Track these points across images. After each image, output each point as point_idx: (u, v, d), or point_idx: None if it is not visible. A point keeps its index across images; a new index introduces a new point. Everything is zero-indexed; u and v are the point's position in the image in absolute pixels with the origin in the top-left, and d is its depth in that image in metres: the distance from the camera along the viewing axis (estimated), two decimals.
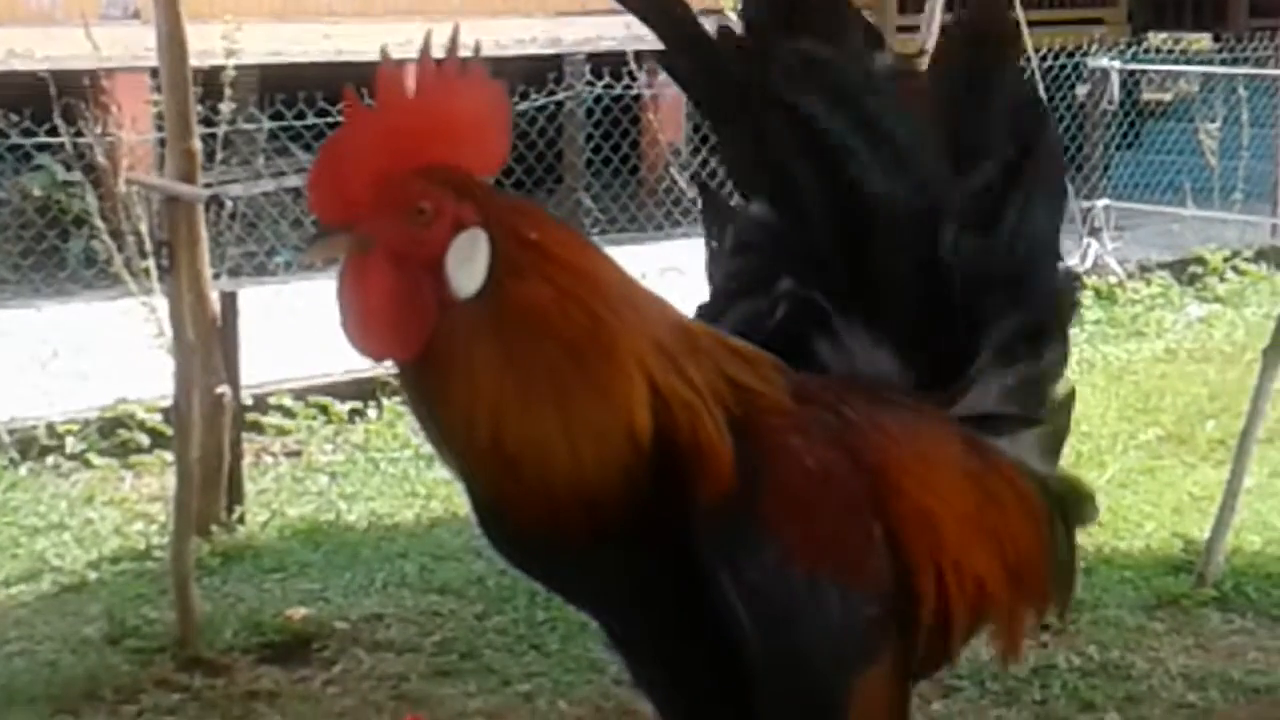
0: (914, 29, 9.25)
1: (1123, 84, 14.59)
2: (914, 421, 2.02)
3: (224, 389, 5.54)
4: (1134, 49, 13.74)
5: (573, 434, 1.76)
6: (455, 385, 1.77)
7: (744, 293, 2.08)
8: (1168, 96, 16.61)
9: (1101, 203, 10.42)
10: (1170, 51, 16.51)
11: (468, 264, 1.78)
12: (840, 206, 2.01)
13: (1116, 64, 10.71)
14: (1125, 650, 4.71)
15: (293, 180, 9.64)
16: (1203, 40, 17.37)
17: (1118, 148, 13.90)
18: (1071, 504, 2.21)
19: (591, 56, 10.98)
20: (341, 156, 1.80)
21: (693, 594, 1.80)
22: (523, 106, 9.24)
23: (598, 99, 10.20)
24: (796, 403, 1.90)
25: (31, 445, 6.61)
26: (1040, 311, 2.15)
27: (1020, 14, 9.53)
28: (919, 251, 2.03)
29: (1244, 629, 4.90)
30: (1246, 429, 5.24)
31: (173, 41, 5.31)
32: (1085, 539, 5.52)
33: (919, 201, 2.01)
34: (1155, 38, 17.69)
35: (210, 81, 7.64)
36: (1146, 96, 16.82)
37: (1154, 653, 4.71)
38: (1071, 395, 2.22)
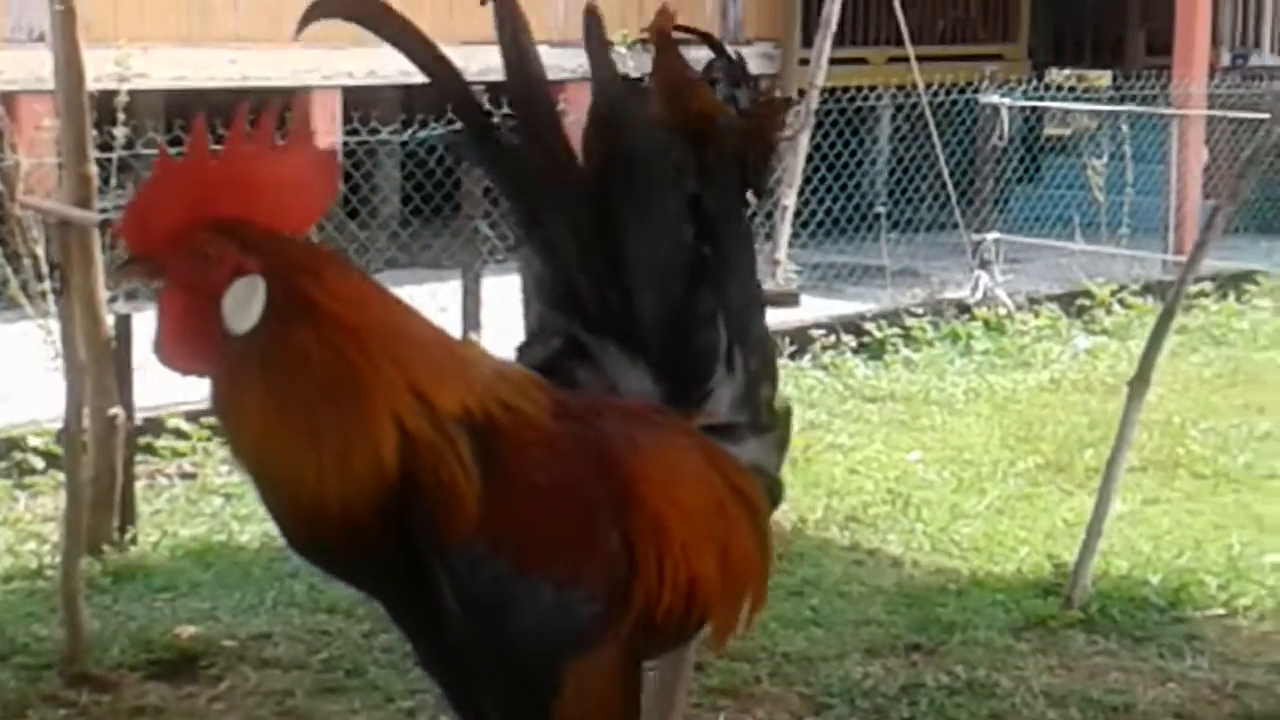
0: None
1: (1025, 119, 14.90)
2: (661, 433, 2.29)
3: (116, 410, 5.62)
4: (1034, 85, 13.98)
5: (322, 467, 2.04)
6: (229, 409, 2.11)
7: (537, 331, 2.39)
8: (1068, 132, 16.98)
9: (992, 236, 10.64)
10: (1071, 89, 16.85)
11: (243, 305, 2.07)
12: (588, 258, 2.32)
13: (1006, 100, 10.93)
14: (991, 670, 4.86)
15: None
16: (1103, 78, 17.73)
17: (1018, 181, 14.18)
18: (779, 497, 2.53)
19: (490, 86, 11.10)
20: (150, 201, 2.09)
21: (426, 588, 2.09)
22: (422, 135, 9.34)
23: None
24: (555, 419, 2.17)
25: None
26: (755, 344, 2.46)
27: (911, 49, 9.78)
28: (662, 291, 2.33)
29: (1107, 650, 5.06)
30: (1113, 457, 5.42)
31: (70, 67, 5.37)
32: (960, 563, 5.77)
33: (657, 254, 2.32)
34: (1057, 74, 18.06)
35: (110, 104, 7.71)
36: (1049, 132, 17.19)
37: (1019, 672, 4.86)
38: (788, 411, 2.56)
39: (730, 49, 3.58)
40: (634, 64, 5.37)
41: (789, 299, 3.94)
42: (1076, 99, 15.55)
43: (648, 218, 2.33)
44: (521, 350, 2.40)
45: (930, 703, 4.63)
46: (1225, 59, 16.32)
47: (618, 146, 2.36)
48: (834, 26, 6.79)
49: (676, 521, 2.25)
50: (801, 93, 8.19)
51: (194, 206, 2.08)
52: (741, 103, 4.87)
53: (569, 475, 2.18)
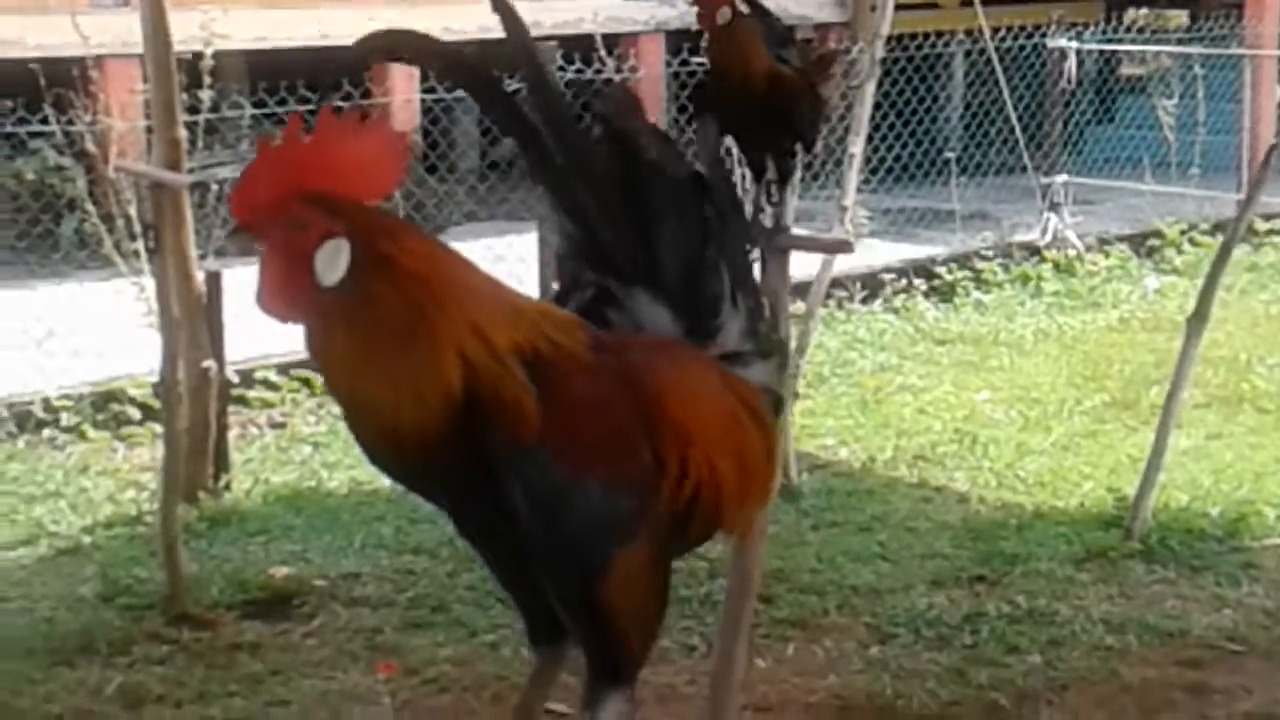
0: None
1: (1100, 60, 14.91)
2: (681, 361, 2.69)
3: (209, 363, 5.86)
4: (1111, 25, 13.98)
5: (399, 395, 2.42)
6: (322, 350, 2.46)
7: (571, 284, 2.77)
8: (1144, 72, 16.92)
9: (1061, 178, 10.72)
10: (1148, 29, 16.81)
11: (331, 263, 2.42)
12: (617, 223, 2.71)
13: (1074, 44, 10.99)
14: (1052, 599, 5.04)
15: None
16: (1180, 17, 17.66)
17: (1095, 123, 14.21)
18: (781, 407, 2.90)
19: (563, 41, 11.29)
20: (252, 179, 2.47)
21: (493, 492, 2.46)
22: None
23: (568, 84, 10.49)
24: (592, 352, 2.56)
25: (28, 419, 6.93)
26: (750, 288, 2.85)
27: None
28: (679, 248, 2.74)
29: (1165, 579, 5.23)
30: (1171, 393, 5.55)
31: (158, 32, 5.56)
32: (1024, 498, 5.94)
33: (673, 218, 2.74)
34: (1134, 14, 17.99)
35: (197, 68, 7.93)
36: (1126, 72, 17.14)
37: (1079, 601, 5.04)
38: (787, 338, 3.04)
39: None
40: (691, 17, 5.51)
41: (843, 246, 4.11)
42: (1150, 39, 15.51)
43: (665, 191, 2.72)
44: (559, 300, 2.76)
45: (991, 631, 4.81)
46: None
47: (636, 147, 2.73)
48: None
49: (697, 431, 2.62)
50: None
51: (289, 182, 2.43)
52: (792, 61, 5.06)
53: (606, 395, 2.56)
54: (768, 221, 5.05)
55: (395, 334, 2.42)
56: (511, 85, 2.74)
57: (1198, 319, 5.51)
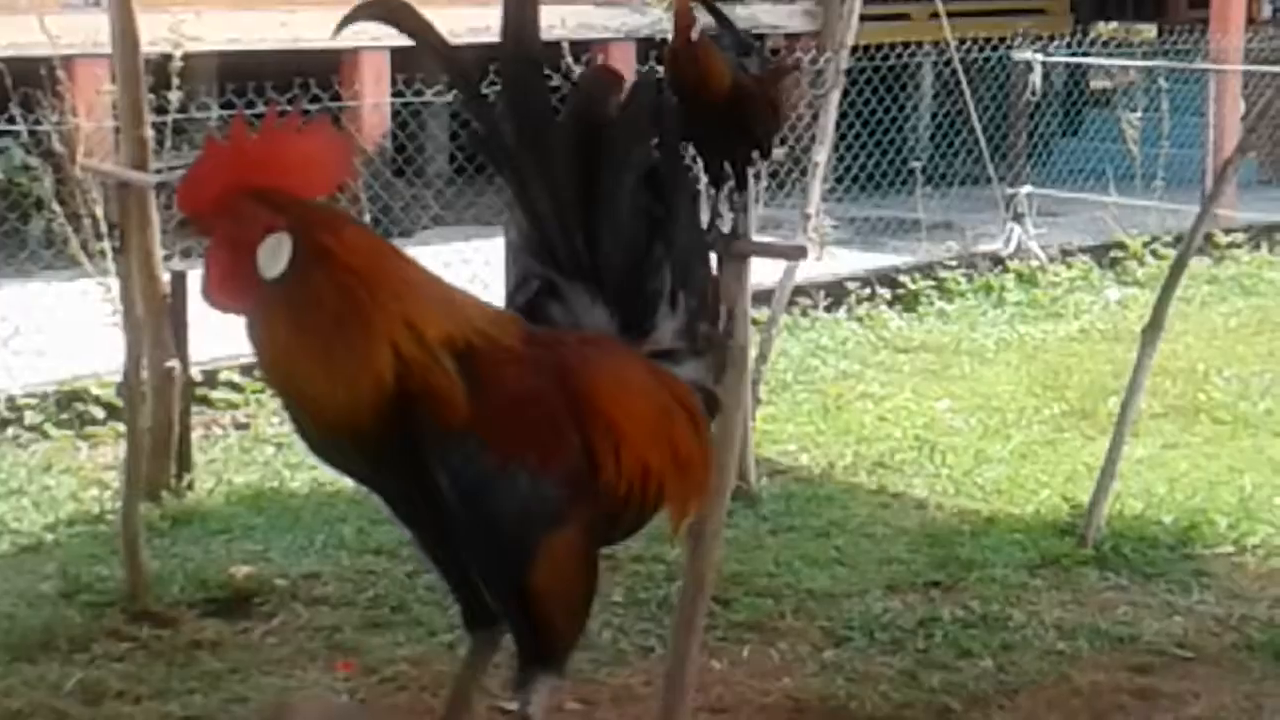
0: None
1: (1068, 73, 15.01)
2: (613, 357, 2.79)
3: (173, 363, 5.89)
4: (1078, 40, 14.07)
5: (334, 383, 2.53)
6: (264, 339, 2.57)
7: (521, 279, 2.87)
8: (1112, 85, 17.02)
9: (1025, 189, 10.80)
10: (1117, 42, 16.92)
11: (273, 256, 2.53)
12: (563, 217, 2.82)
13: (1039, 57, 11.08)
14: (1006, 604, 5.10)
15: None
16: (1150, 30, 17.78)
17: (1062, 135, 14.29)
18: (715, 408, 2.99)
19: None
20: (199, 175, 2.60)
21: (423, 479, 2.56)
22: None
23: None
24: (525, 346, 2.66)
25: None
26: (696, 286, 2.92)
27: (946, 6, 9.94)
28: (621, 245, 2.84)
29: (1117, 585, 5.30)
30: (1126, 402, 5.63)
31: (125, 34, 5.60)
32: (982, 505, 6.00)
33: (618, 215, 2.82)
34: (1105, 28, 18.10)
35: (166, 69, 7.96)
36: (1094, 85, 17.25)
37: (1032, 606, 5.10)
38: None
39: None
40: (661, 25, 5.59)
41: (798, 252, 4.17)
42: (1116, 53, 15.61)
43: (613, 187, 2.80)
44: (511, 295, 2.86)
45: (945, 635, 4.87)
46: (1266, 11, 16.40)
47: (589, 131, 2.81)
48: None
49: (626, 424, 2.73)
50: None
51: (235, 178, 2.55)
52: (751, 69, 5.13)
53: (536, 387, 2.66)
54: (725, 227, 5.12)
55: (331, 324, 2.52)
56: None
57: (1152, 329, 5.58)
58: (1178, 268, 5.66)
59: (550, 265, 2.82)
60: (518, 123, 2.77)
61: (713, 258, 3.04)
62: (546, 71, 2.88)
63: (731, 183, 5.27)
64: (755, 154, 5.27)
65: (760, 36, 13.38)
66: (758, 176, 9.02)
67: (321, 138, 2.63)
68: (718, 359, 2.99)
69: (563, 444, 2.66)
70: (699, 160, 5.31)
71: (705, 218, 5.34)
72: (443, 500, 2.56)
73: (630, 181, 2.81)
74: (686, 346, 2.89)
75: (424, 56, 2.89)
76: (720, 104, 5.01)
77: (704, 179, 5.32)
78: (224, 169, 2.56)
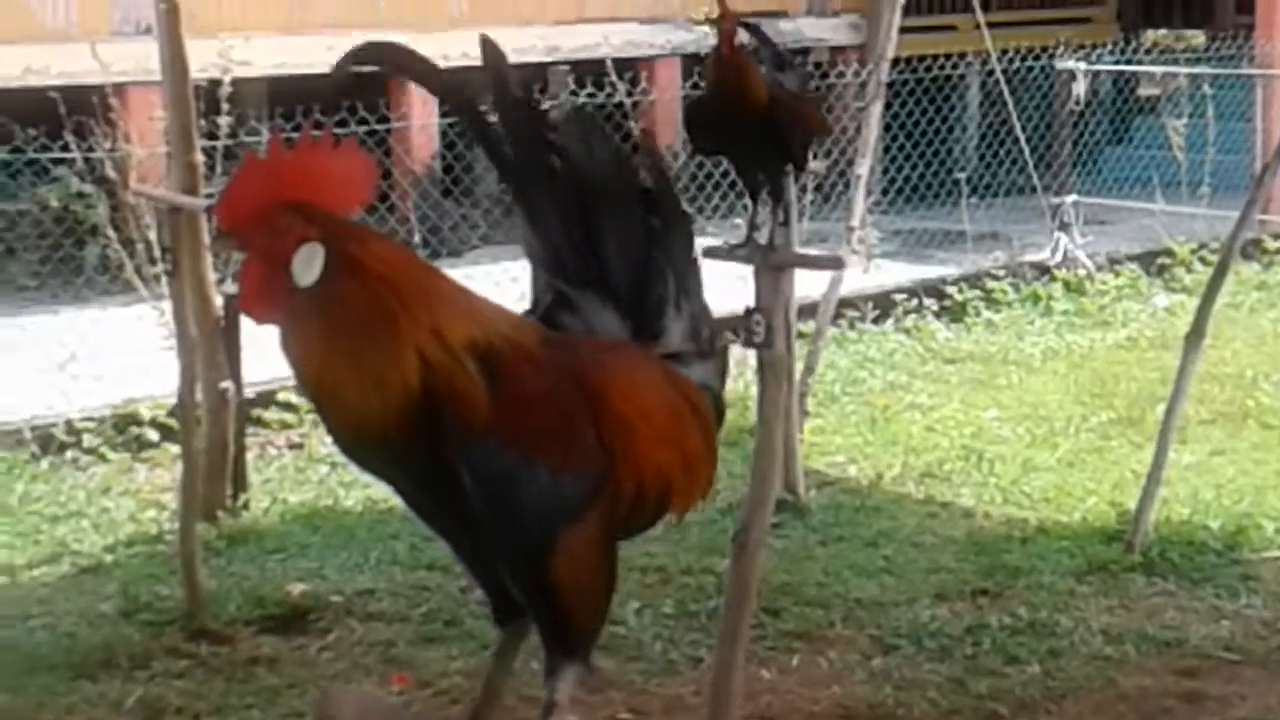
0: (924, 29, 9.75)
1: (1116, 81, 14.99)
2: (626, 359, 2.92)
3: (227, 385, 5.98)
4: (1126, 47, 14.05)
5: (364, 386, 2.62)
6: (296, 345, 2.65)
7: (539, 291, 2.98)
8: (1161, 91, 16.96)
9: (1070, 198, 10.82)
10: (1162, 49, 16.87)
11: (307, 266, 2.63)
12: (570, 233, 2.93)
13: (1081, 65, 11.10)
14: (1053, 611, 5.14)
15: None
16: (1198, 37, 17.73)
17: (1111, 143, 14.26)
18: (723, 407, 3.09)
19: (577, 65, 11.40)
20: (238, 190, 2.69)
21: (448, 477, 2.67)
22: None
23: (581, 107, 10.63)
24: (542, 349, 2.79)
25: (51, 441, 7.05)
26: (694, 293, 3.05)
27: (987, 16, 9.95)
28: (625, 254, 2.96)
29: (1165, 591, 5.33)
30: (1170, 408, 5.65)
31: (175, 62, 5.68)
32: (1029, 513, 6.04)
33: (621, 228, 2.95)
34: (1153, 34, 18.06)
35: (215, 94, 8.07)
36: (1143, 92, 17.20)
37: (1079, 612, 5.14)
38: (725, 347, 3.14)
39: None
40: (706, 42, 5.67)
41: (835, 263, 4.22)
42: (1160, 60, 15.56)
43: (614, 204, 2.94)
44: (532, 307, 2.97)
45: (993, 642, 4.91)
46: None
47: (589, 157, 2.93)
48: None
49: (638, 422, 2.84)
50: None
51: (270, 193, 2.65)
52: (787, 84, 5.20)
53: (554, 387, 2.77)
54: (761, 239, 5.18)
55: (362, 330, 2.62)
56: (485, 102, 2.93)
57: (1195, 335, 5.61)
58: (1219, 273, 5.69)
59: (560, 277, 2.93)
60: (513, 144, 2.89)
61: (703, 266, 3.13)
62: (535, 99, 3.06)
63: (768, 195, 5.34)
64: (789, 167, 5.33)
65: (805, 50, 13.46)
66: (804, 190, 9.09)
67: (351, 157, 2.73)
68: (720, 363, 3.09)
69: (580, 441, 2.76)
70: (735, 173, 5.39)
71: (744, 230, 5.42)
72: (466, 497, 2.65)
73: (629, 197, 2.95)
74: (693, 349, 3.01)
75: (425, 86, 3.01)
76: (759, 117, 5.08)
77: (743, 191, 5.39)
78: (261, 184, 2.67)
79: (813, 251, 6.93)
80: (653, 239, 2.97)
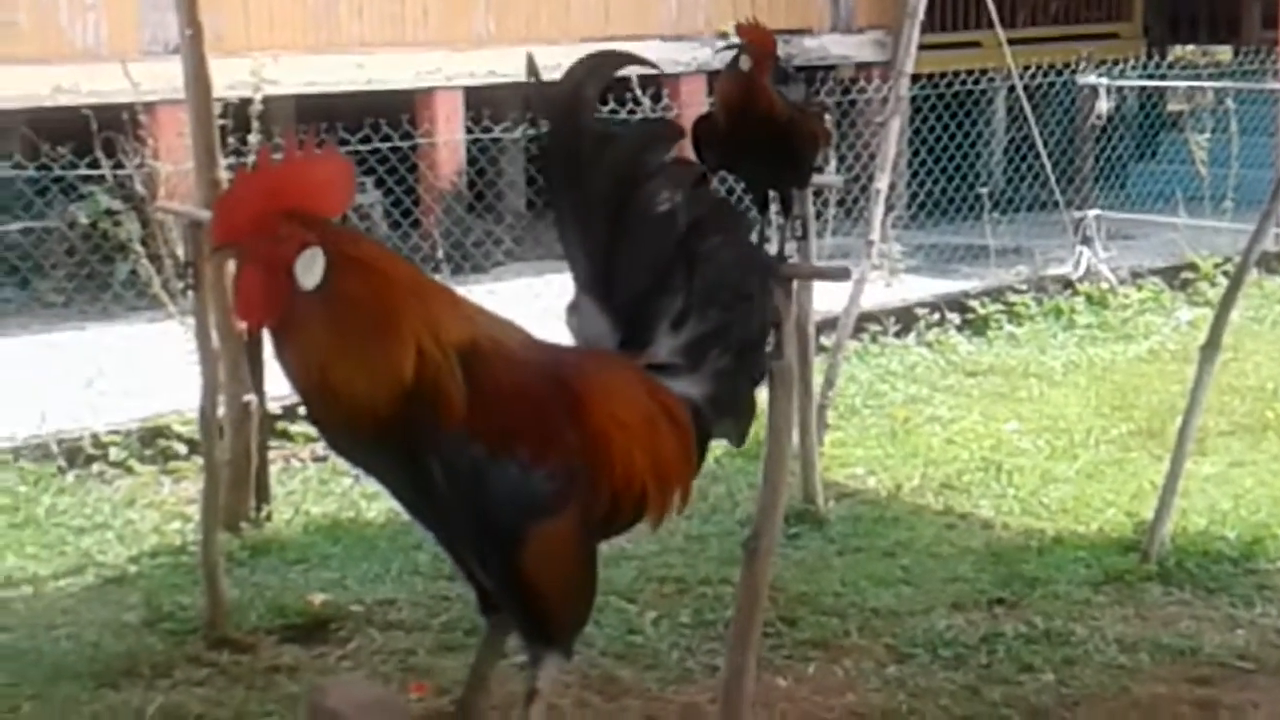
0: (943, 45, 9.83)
1: (1142, 97, 15.01)
2: (609, 366, 3.02)
3: (250, 397, 6.04)
4: (1152, 62, 14.06)
5: (374, 377, 2.71)
6: (300, 343, 2.74)
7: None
8: (1189, 107, 16.97)
9: (1092, 213, 10.84)
10: (1193, 64, 16.88)
11: (309, 269, 2.71)
12: (588, 241, 3.05)
13: (1104, 80, 11.13)
14: (1069, 620, 5.16)
15: None
16: (1225, 52, 17.74)
17: (1137, 159, 14.27)
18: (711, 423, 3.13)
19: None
20: (233, 202, 2.80)
21: (419, 468, 2.76)
22: (533, 132, 9.74)
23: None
24: (524, 350, 2.89)
25: (78, 454, 7.14)
26: (714, 314, 3.08)
27: (1007, 33, 9.99)
28: (631, 270, 3.04)
29: (1180, 600, 5.35)
30: (1185, 420, 5.66)
31: (198, 81, 5.78)
32: (1047, 524, 6.06)
33: (633, 247, 3.04)
34: (1181, 50, 18.07)
35: (245, 112, 8.15)
36: (1171, 108, 17.21)
37: (1095, 622, 5.16)
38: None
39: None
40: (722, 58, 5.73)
41: (841, 274, 4.24)
42: (1183, 75, 15.57)
43: (634, 222, 3.03)
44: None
45: (1007, 651, 4.93)
46: None
47: (614, 173, 3.03)
48: (921, 16, 7.04)
49: (614, 428, 2.92)
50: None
51: (266, 203, 2.73)
52: (790, 96, 5.25)
53: (531, 387, 2.86)
54: (770, 251, 5.23)
55: (370, 324, 2.71)
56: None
57: (1210, 347, 5.63)
58: (1234, 286, 5.72)
59: (576, 277, 3.04)
60: (559, 168, 3.03)
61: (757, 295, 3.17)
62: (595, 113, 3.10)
63: (778, 208, 5.39)
64: (795, 181, 5.39)
65: (830, 67, 13.50)
66: (825, 204, 9.14)
67: (332, 164, 2.81)
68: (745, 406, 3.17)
69: (555, 440, 2.84)
70: (745, 187, 5.44)
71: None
72: (436, 488, 2.73)
73: (650, 217, 3.02)
74: (685, 364, 3.06)
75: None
76: (776, 130, 5.14)
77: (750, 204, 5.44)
78: (255, 194, 2.75)
79: (819, 263, 6.95)
80: (680, 260, 3.04)
